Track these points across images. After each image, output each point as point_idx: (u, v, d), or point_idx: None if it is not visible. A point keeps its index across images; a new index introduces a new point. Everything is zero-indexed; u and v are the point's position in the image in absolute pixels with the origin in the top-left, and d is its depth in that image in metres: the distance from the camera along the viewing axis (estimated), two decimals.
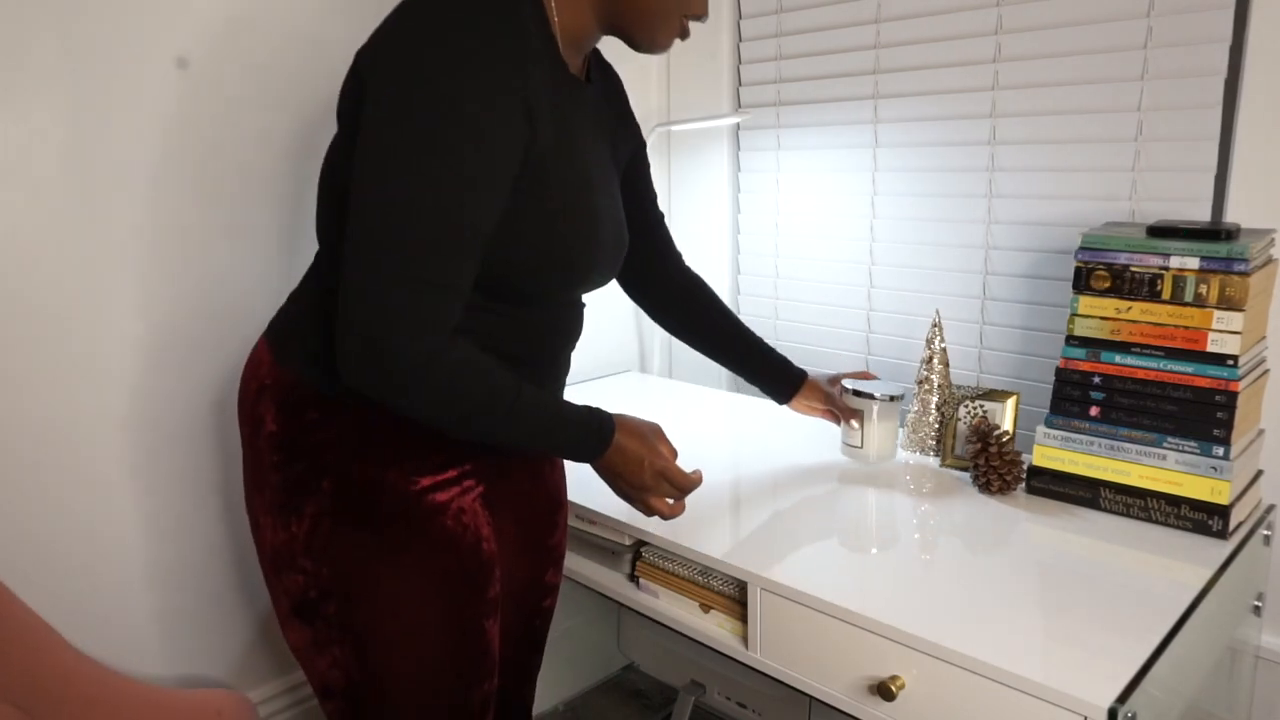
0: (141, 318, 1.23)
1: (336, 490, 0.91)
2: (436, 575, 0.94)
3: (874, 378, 1.34)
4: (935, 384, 1.33)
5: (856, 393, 1.29)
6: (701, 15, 0.99)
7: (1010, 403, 1.28)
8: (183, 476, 1.31)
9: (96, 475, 1.22)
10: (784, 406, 1.35)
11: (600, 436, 0.96)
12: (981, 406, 1.26)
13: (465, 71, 0.81)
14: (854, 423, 1.29)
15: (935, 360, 1.33)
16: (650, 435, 1.00)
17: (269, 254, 1.35)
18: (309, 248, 1.37)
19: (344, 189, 0.84)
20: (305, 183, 1.36)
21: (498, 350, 0.91)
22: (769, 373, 1.33)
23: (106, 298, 1.20)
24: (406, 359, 0.81)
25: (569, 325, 1.02)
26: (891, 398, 1.28)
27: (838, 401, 1.32)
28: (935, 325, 1.33)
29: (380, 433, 0.92)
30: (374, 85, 0.82)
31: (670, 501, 1.00)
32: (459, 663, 0.97)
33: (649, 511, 1.01)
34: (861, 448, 1.30)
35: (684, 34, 0.99)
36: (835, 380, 1.34)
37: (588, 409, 0.96)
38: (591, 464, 0.98)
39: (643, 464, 0.97)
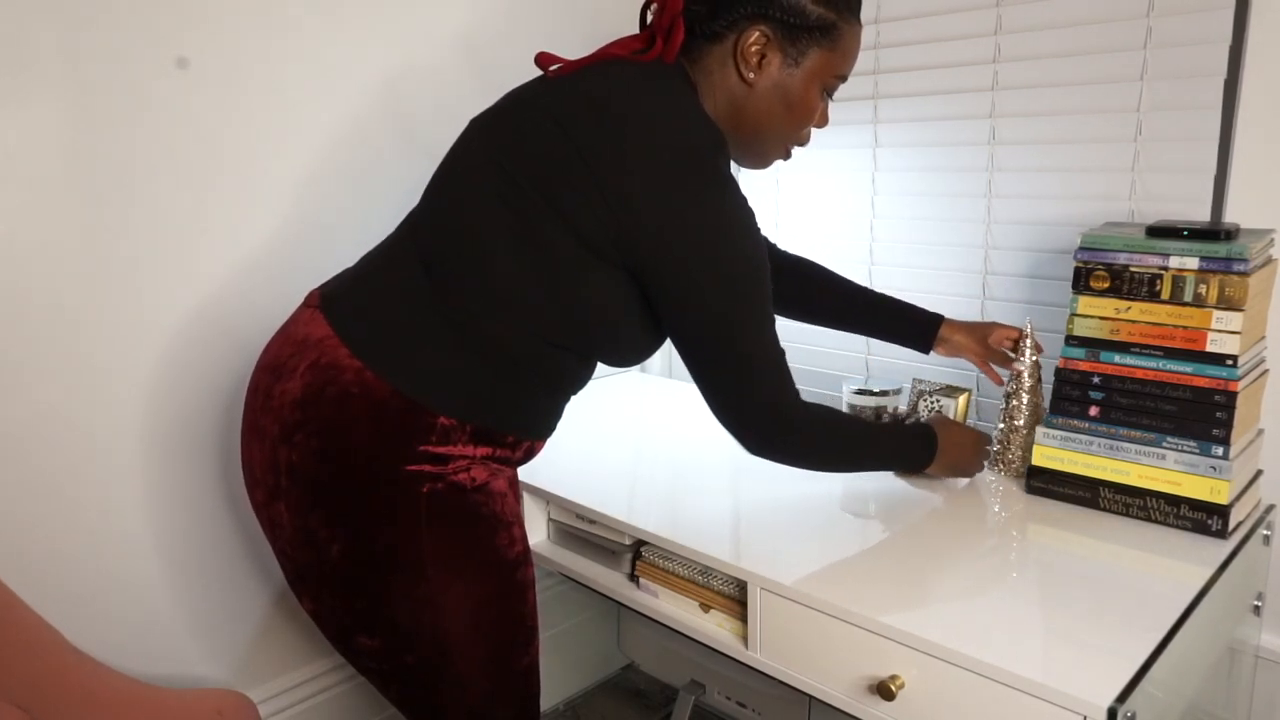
0: (147, 316, 1.23)
1: (430, 501, 0.94)
2: (497, 551, 1.00)
3: (1025, 335, 1.23)
4: (1026, 400, 1.23)
5: (860, 391, 1.34)
6: (805, 143, 1.07)
7: (962, 399, 1.33)
8: (183, 477, 1.31)
9: (98, 476, 1.22)
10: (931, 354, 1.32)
11: (929, 436, 1.15)
12: (938, 401, 1.32)
13: (740, 199, 0.95)
14: (1016, 365, 1.22)
15: (1025, 375, 1.23)
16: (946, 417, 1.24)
17: (283, 253, 1.34)
18: (326, 248, 1.37)
19: (566, 266, 0.92)
20: (318, 183, 1.36)
21: (569, 388, 1.04)
22: (903, 325, 1.31)
23: (115, 296, 1.20)
24: (803, 415, 1.00)
25: None
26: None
27: (992, 346, 1.25)
28: (1027, 338, 1.23)
29: (468, 436, 0.96)
30: (662, 220, 0.89)
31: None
32: (517, 629, 1.04)
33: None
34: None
35: (787, 156, 1.08)
36: (985, 327, 1.27)
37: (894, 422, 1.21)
38: (928, 466, 1.16)
39: (977, 437, 1.20)
